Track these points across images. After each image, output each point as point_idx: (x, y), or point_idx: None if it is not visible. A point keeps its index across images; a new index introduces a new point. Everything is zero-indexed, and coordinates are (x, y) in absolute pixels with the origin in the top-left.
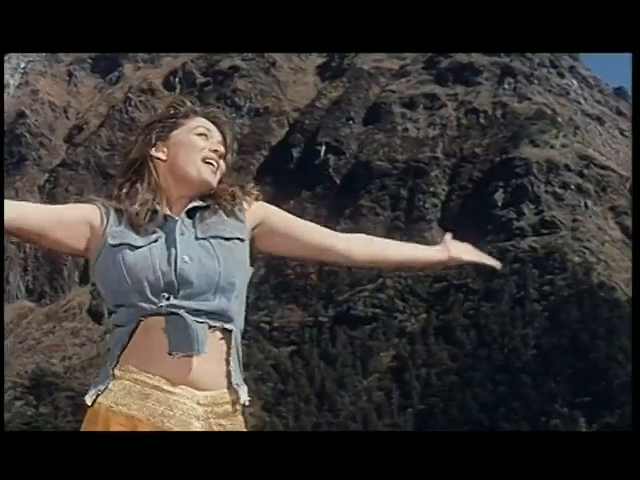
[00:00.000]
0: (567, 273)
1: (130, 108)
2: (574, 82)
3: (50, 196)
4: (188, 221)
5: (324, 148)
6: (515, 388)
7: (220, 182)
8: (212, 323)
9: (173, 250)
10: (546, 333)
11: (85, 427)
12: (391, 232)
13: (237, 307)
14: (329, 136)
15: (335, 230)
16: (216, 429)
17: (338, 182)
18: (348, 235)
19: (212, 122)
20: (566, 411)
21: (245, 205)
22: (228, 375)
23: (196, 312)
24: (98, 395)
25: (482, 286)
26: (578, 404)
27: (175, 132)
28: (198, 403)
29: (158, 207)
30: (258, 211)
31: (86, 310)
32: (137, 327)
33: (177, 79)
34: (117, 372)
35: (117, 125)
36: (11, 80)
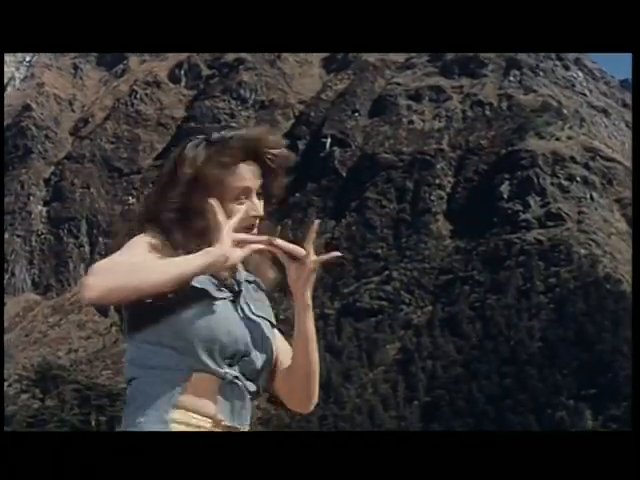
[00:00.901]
0: (573, 265)
1: (136, 101)
2: (580, 74)
3: (56, 189)
4: (246, 291)
5: (330, 140)
6: (521, 380)
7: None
8: (255, 401)
9: (245, 321)
10: (552, 325)
11: None
12: (397, 224)
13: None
14: (335, 128)
15: (341, 222)
16: None
17: (344, 174)
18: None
19: (254, 161)
20: (572, 403)
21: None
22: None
23: (247, 389)
24: None
25: (488, 278)
26: (584, 396)
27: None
28: None
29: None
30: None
31: None
32: (188, 378)
33: (183, 72)
34: (172, 416)
35: (123, 118)
36: (16, 73)
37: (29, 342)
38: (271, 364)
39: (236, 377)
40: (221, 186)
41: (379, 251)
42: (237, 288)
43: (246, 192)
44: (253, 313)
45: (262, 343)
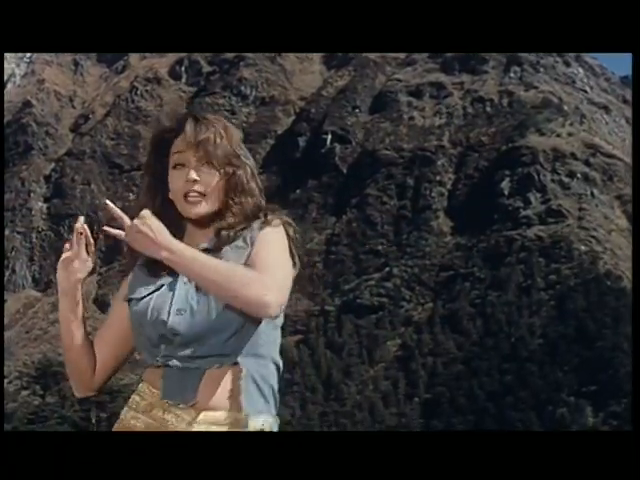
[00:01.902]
0: (573, 262)
1: (136, 97)
2: (580, 71)
3: (56, 186)
4: None
5: (330, 137)
6: (522, 377)
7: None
8: (207, 365)
9: (168, 301)
10: (552, 322)
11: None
12: (397, 221)
13: (238, 342)
14: (335, 125)
15: (341, 219)
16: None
17: (344, 171)
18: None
19: (191, 127)
20: (572, 400)
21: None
22: (237, 403)
23: (189, 358)
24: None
25: (488, 275)
26: (585, 393)
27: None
28: (190, 423)
29: None
30: (258, 240)
31: (92, 300)
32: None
33: (183, 68)
34: (139, 387)
35: (123, 114)
36: (17, 70)
37: (29, 339)
38: (209, 320)
39: (166, 357)
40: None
41: (380, 248)
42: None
43: (180, 158)
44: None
45: (197, 312)
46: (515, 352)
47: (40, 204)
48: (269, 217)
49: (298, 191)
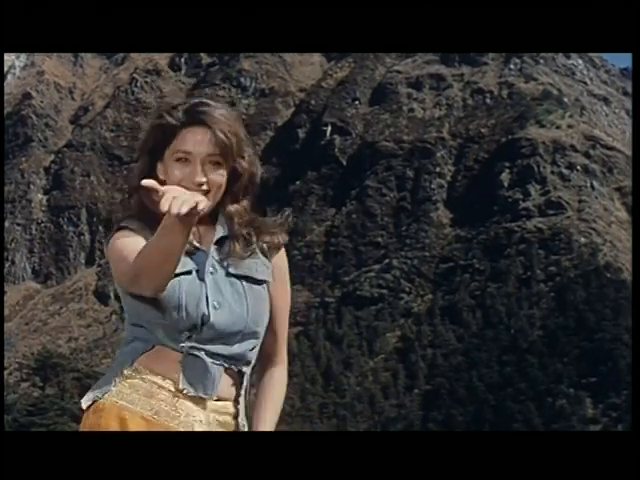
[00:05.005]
0: (573, 254)
1: (136, 89)
2: (580, 62)
3: (56, 178)
4: (218, 254)
5: (330, 128)
6: (521, 369)
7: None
8: (228, 366)
9: (203, 291)
10: (552, 314)
11: (86, 423)
12: (397, 212)
13: (256, 351)
14: (335, 117)
15: (341, 210)
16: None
17: (344, 163)
18: (275, 374)
19: (205, 126)
20: (572, 391)
21: (275, 249)
22: (236, 402)
23: (215, 355)
24: (104, 395)
25: (488, 267)
26: (584, 385)
27: (165, 152)
28: (203, 408)
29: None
30: (278, 268)
31: (92, 291)
32: (152, 348)
33: (183, 60)
34: (126, 372)
35: (123, 106)
36: (17, 61)
37: (29, 331)
38: (246, 320)
39: (193, 348)
40: (165, 149)
41: (379, 239)
42: (202, 256)
43: (186, 155)
44: (228, 274)
45: (235, 311)
46: (515, 344)
47: (40, 196)
48: (279, 239)
49: (298, 183)
